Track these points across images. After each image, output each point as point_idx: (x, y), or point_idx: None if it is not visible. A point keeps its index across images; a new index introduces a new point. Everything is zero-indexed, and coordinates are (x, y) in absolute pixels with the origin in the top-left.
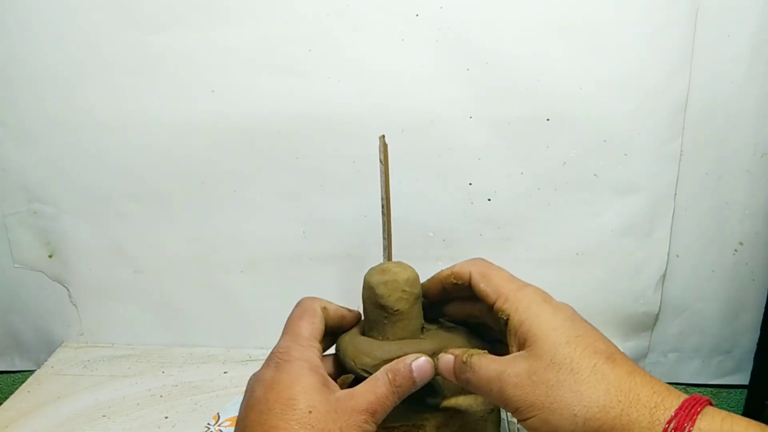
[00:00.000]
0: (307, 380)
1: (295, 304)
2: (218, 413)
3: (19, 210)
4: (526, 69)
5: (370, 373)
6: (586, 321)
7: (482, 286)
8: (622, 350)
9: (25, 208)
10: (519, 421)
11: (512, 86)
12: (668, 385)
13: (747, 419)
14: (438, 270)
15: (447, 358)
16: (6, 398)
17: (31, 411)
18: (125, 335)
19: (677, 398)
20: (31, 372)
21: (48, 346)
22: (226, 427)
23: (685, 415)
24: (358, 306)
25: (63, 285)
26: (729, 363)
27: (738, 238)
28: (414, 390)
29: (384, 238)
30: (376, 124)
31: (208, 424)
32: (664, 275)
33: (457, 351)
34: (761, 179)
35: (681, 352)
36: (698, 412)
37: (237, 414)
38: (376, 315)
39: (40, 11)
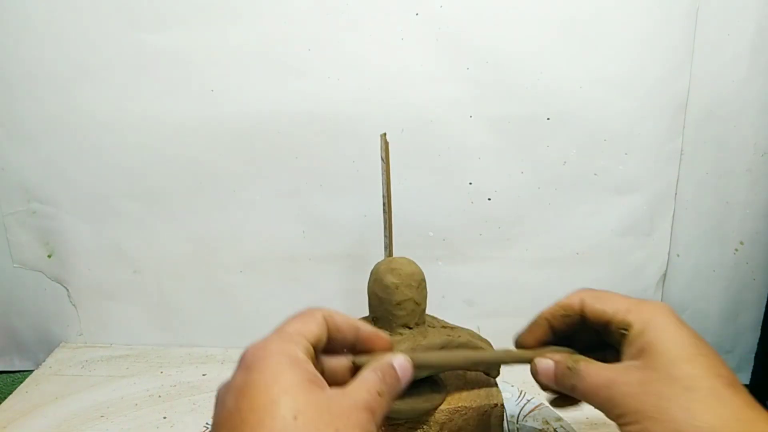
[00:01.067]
0: (288, 378)
1: None
2: None
3: (18, 210)
4: (527, 68)
5: None
6: (708, 344)
7: (598, 306)
8: None
9: (24, 208)
10: (620, 426)
11: (512, 85)
12: None
13: None
14: (438, 270)
15: (546, 363)
16: (5, 398)
17: (29, 411)
18: (124, 335)
19: None
20: (30, 372)
21: (47, 346)
22: None
23: None
24: (360, 306)
25: (62, 285)
26: (729, 363)
27: (738, 237)
28: (400, 390)
29: (385, 236)
30: (375, 124)
31: (207, 424)
32: (664, 275)
33: (558, 356)
34: (762, 178)
35: None
36: None
37: None
38: (383, 309)
39: (39, 11)
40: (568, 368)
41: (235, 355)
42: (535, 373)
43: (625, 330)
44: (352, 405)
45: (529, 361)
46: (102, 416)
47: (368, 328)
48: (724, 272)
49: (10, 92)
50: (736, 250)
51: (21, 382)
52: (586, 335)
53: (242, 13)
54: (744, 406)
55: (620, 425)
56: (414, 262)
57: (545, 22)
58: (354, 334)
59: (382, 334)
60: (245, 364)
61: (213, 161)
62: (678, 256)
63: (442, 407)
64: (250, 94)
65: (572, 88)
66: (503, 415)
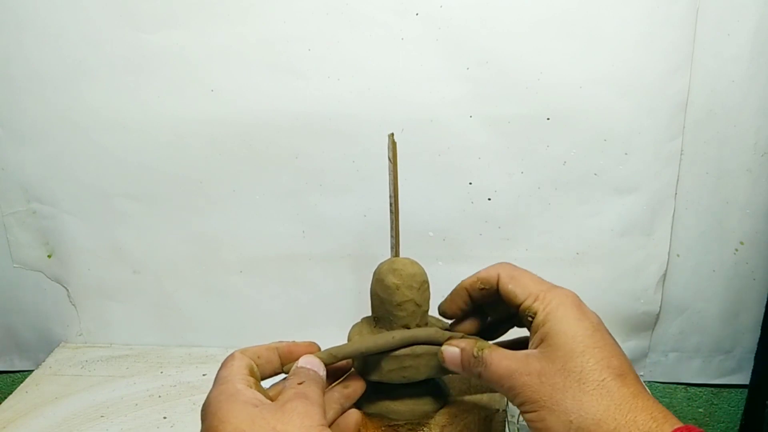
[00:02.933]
0: (225, 411)
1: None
2: None
3: (18, 210)
4: (527, 68)
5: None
6: (608, 333)
7: (510, 287)
8: (624, 350)
9: (24, 208)
10: (521, 413)
11: (512, 85)
12: (669, 412)
13: None
14: (438, 269)
15: (453, 351)
16: (5, 398)
17: (29, 411)
18: (124, 335)
19: (671, 426)
20: (30, 372)
21: (47, 346)
22: None
23: None
24: (360, 305)
25: (62, 285)
26: (729, 363)
27: (738, 237)
28: (321, 376)
29: (392, 236)
30: (375, 124)
31: None
32: (664, 275)
33: (463, 343)
34: (762, 178)
35: (681, 352)
36: None
37: None
38: (383, 310)
39: (39, 12)
40: (474, 356)
41: None
42: (442, 360)
43: (531, 317)
44: (283, 402)
45: (440, 343)
46: (102, 416)
47: (285, 343)
48: (724, 272)
49: (11, 92)
50: (736, 250)
51: (21, 382)
52: (506, 306)
53: (242, 13)
54: (629, 395)
55: (522, 412)
56: (417, 263)
57: (545, 22)
58: (275, 352)
59: (300, 342)
60: (202, 417)
61: (213, 161)
62: (678, 256)
63: (443, 410)
64: (250, 94)
65: (572, 88)
66: (505, 421)
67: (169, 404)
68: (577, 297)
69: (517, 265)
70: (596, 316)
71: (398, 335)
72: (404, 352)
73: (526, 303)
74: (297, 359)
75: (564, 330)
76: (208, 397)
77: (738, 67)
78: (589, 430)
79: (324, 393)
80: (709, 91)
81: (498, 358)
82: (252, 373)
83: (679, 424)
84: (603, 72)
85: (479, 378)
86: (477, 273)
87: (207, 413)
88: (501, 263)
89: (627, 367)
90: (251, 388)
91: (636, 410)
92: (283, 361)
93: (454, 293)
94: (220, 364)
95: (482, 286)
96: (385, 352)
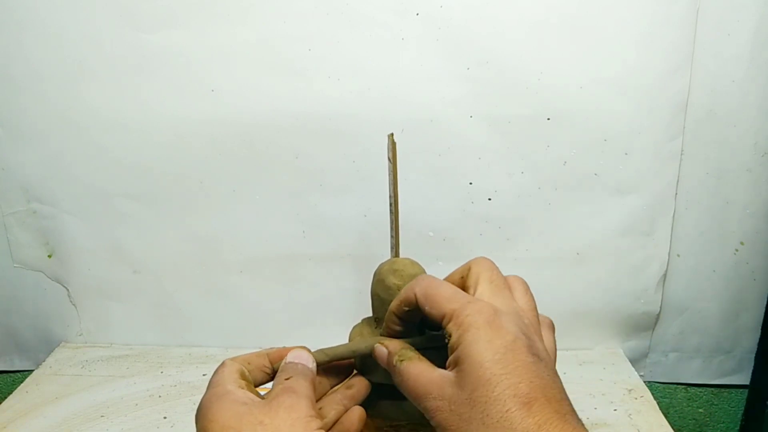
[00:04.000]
0: (213, 412)
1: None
2: None
3: (18, 209)
4: (527, 68)
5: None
6: (525, 351)
7: (427, 308)
8: (621, 350)
9: (24, 208)
10: None
11: (512, 85)
12: None
13: None
14: (438, 270)
15: (381, 351)
16: (5, 398)
17: (29, 411)
18: (124, 335)
19: None
20: (30, 372)
21: (47, 346)
22: None
23: None
24: (360, 305)
25: (62, 285)
26: (729, 363)
27: (739, 237)
28: (311, 370)
29: (392, 236)
30: (375, 124)
31: None
32: (664, 275)
33: (393, 345)
34: (762, 178)
35: (682, 352)
36: None
37: None
38: (384, 311)
39: (39, 11)
40: (393, 365)
41: (235, 354)
42: (375, 358)
43: (447, 339)
44: (270, 398)
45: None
46: (102, 416)
47: (275, 349)
48: (724, 272)
49: (11, 92)
50: (736, 250)
51: (21, 382)
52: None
53: (242, 13)
54: (532, 426)
55: None
56: (417, 264)
57: (545, 22)
58: (266, 358)
59: (290, 347)
60: (195, 420)
61: (213, 161)
62: (678, 256)
63: None
64: (251, 94)
65: (572, 88)
66: None
67: (169, 404)
68: (493, 311)
69: (435, 277)
70: (513, 333)
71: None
72: None
73: (443, 323)
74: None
75: (473, 355)
76: (200, 401)
77: (738, 67)
78: None
79: (314, 385)
80: (709, 91)
81: (415, 375)
82: (243, 377)
83: None
84: (603, 72)
85: (398, 386)
86: (399, 293)
87: (199, 416)
88: (418, 278)
89: (537, 393)
90: (242, 389)
91: None
92: (275, 366)
93: (386, 319)
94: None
95: (406, 308)
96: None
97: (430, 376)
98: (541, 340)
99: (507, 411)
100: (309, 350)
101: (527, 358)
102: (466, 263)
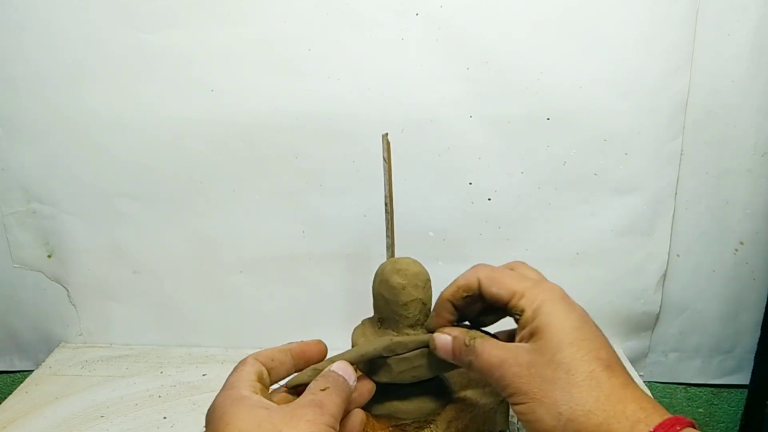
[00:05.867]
0: (230, 414)
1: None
2: None
3: (18, 210)
4: (527, 68)
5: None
6: (596, 326)
7: (494, 289)
8: (621, 350)
9: (24, 208)
10: (511, 405)
11: (512, 85)
12: (657, 403)
13: None
14: (438, 270)
15: (444, 339)
16: (5, 398)
17: (29, 412)
18: (124, 335)
19: (660, 416)
20: (30, 372)
21: (47, 346)
22: None
23: None
24: (360, 305)
25: (62, 285)
26: (729, 363)
27: (738, 237)
28: (349, 386)
29: (387, 236)
30: (375, 124)
31: None
32: (664, 275)
33: (455, 332)
34: (762, 178)
35: (681, 352)
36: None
37: None
38: (389, 310)
39: (39, 11)
40: (465, 345)
41: (235, 354)
42: (434, 348)
43: (519, 315)
44: (295, 407)
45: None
46: (102, 416)
47: (296, 344)
48: (724, 272)
49: (10, 92)
50: (736, 250)
51: (21, 382)
52: (494, 309)
53: (242, 13)
54: (618, 386)
55: (511, 404)
56: (418, 262)
57: (545, 22)
58: (288, 354)
59: (309, 341)
60: (206, 421)
61: (213, 161)
62: (678, 256)
63: (449, 407)
64: (250, 94)
65: (572, 88)
66: (508, 411)
67: (169, 404)
68: (563, 291)
69: (492, 265)
70: (583, 310)
71: (411, 338)
72: (415, 353)
73: (513, 302)
74: (310, 359)
75: (552, 323)
76: (213, 402)
77: (738, 67)
78: (579, 421)
79: (347, 401)
80: (709, 91)
81: (489, 348)
82: (261, 380)
83: (668, 415)
84: (603, 72)
85: (469, 368)
86: (455, 281)
87: (212, 417)
88: (477, 266)
89: (615, 359)
90: (257, 394)
91: (625, 401)
92: (296, 362)
93: (438, 307)
94: (220, 364)
95: (465, 294)
96: (397, 354)
97: (505, 347)
98: None
99: (592, 371)
100: (353, 365)
101: (599, 332)
102: (506, 264)
